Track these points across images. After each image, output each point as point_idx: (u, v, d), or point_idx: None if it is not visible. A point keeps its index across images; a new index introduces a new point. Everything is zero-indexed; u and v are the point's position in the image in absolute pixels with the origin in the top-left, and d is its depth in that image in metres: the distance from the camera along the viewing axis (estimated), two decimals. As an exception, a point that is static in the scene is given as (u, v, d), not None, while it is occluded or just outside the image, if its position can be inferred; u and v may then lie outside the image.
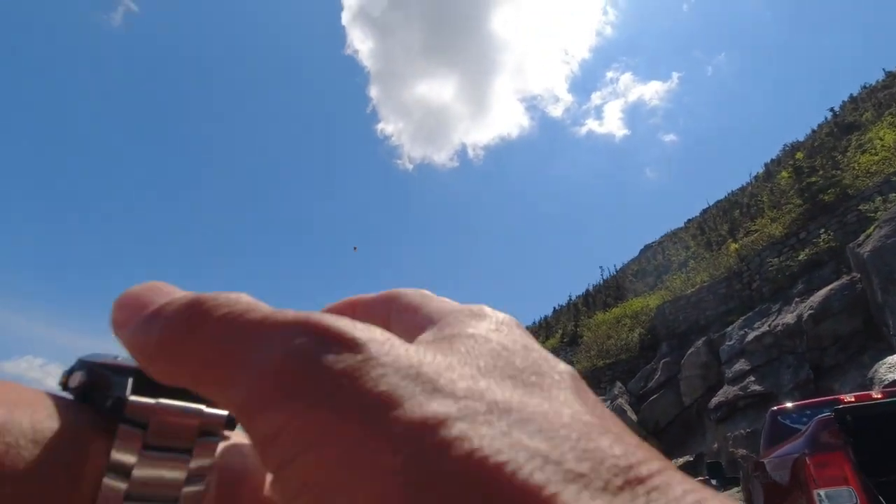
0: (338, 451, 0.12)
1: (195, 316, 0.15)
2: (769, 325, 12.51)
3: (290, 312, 0.15)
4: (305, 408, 0.12)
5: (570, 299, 34.09)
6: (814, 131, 25.31)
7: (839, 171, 14.34)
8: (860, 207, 12.10)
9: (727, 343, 13.41)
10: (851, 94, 26.55)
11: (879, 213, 10.98)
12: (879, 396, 3.86)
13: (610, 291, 28.48)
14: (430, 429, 0.11)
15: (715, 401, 12.64)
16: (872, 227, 10.54)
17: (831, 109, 25.16)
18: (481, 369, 0.13)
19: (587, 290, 33.52)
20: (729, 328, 13.73)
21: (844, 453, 2.80)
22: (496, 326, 0.16)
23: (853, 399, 3.80)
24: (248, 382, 0.13)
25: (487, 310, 0.17)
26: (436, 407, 0.12)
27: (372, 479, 0.11)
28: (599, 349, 18.53)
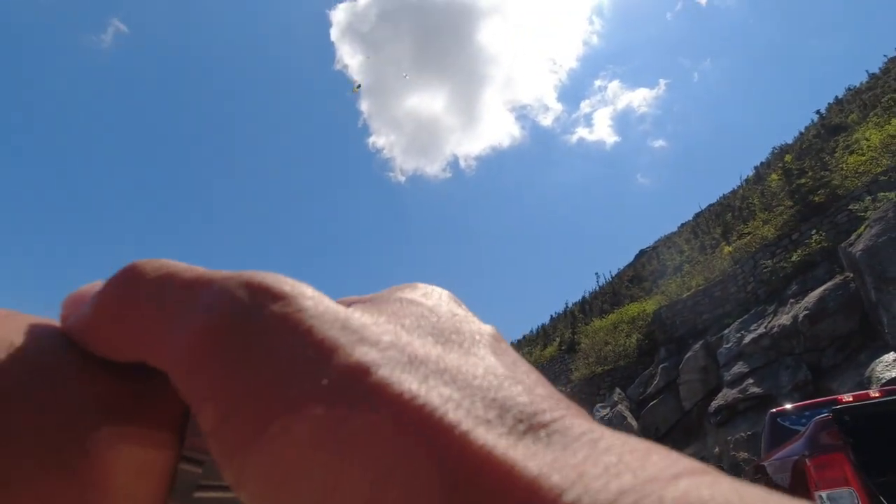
0: (267, 407, 0.12)
1: (127, 280, 0.15)
2: (766, 327, 12.55)
3: (222, 271, 0.15)
4: (233, 363, 0.12)
5: (567, 306, 34.08)
6: (801, 133, 25.62)
7: (828, 172, 14.50)
8: (850, 207, 12.23)
9: (725, 346, 13.43)
10: (837, 97, 26.94)
11: (869, 212, 11.09)
12: (877, 395, 3.87)
13: (606, 298, 28.51)
14: (359, 375, 0.12)
15: (714, 404, 12.62)
16: (863, 227, 10.64)
17: (818, 112, 25.50)
18: (405, 326, 0.14)
19: (584, 297, 33.55)
20: (726, 331, 13.76)
21: (844, 454, 2.80)
22: (424, 293, 0.17)
23: (851, 399, 3.81)
24: (181, 341, 0.13)
25: (420, 284, 0.18)
26: (363, 353, 0.12)
27: (306, 429, 0.11)
28: (598, 356, 18.50)
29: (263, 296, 0.14)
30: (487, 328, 0.16)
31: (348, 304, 0.15)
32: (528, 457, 0.11)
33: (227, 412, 0.12)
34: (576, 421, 0.12)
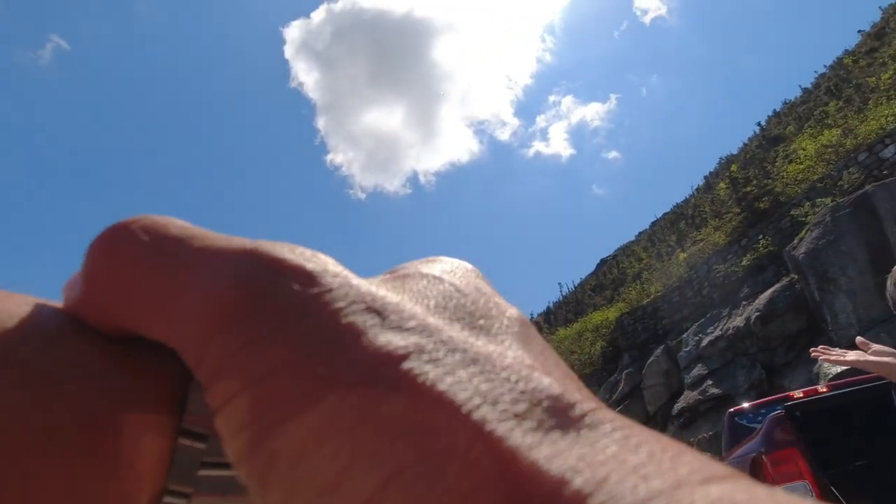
0: (286, 387, 0.11)
1: (116, 242, 0.14)
2: (721, 330, 13.04)
3: (235, 240, 0.14)
4: (252, 341, 0.12)
5: (532, 317, 34.46)
6: (745, 144, 27.05)
7: (770, 181, 15.34)
8: (792, 213, 12.95)
9: (684, 349, 13.86)
10: (775, 109, 28.64)
11: (809, 217, 11.78)
12: (825, 390, 4.07)
13: (570, 307, 29.02)
14: (383, 364, 0.11)
15: (677, 407, 12.98)
16: (804, 231, 11.28)
17: (758, 124, 27.06)
18: (431, 308, 0.13)
19: (548, 308, 34.04)
20: (685, 335, 14.23)
21: (797, 449, 2.93)
22: (451, 269, 0.16)
23: (802, 395, 3.99)
24: (192, 314, 0.13)
25: (444, 258, 0.17)
26: (388, 341, 0.12)
27: (322, 417, 0.11)
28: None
29: (283, 273, 0.13)
30: (514, 311, 0.15)
31: (370, 279, 0.15)
32: (553, 455, 0.10)
33: (242, 390, 0.12)
34: (606, 415, 0.12)
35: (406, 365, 0.11)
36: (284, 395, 0.11)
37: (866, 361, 1.51)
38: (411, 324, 0.12)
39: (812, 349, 1.64)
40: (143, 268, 0.14)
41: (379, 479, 0.10)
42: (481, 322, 0.14)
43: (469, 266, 0.17)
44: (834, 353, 1.60)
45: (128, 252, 0.14)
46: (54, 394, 0.13)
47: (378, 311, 0.12)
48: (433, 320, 0.13)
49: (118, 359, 0.14)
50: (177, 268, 0.13)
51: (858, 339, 1.56)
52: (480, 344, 0.13)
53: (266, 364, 0.12)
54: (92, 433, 0.13)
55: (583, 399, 0.12)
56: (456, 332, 0.13)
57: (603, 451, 0.10)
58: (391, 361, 0.11)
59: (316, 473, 0.11)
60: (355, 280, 0.13)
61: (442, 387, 0.11)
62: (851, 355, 1.55)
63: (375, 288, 0.13)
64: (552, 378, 0.12)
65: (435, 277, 0.15)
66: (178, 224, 0.14)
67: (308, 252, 0.14)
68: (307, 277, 0.13)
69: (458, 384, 0.11)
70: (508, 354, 0.13)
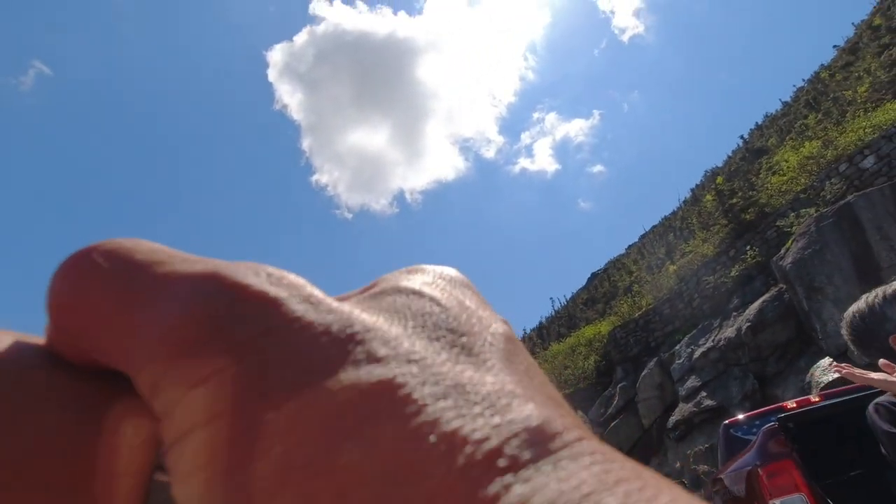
0: (235, 426, 0.11)
1: (78, 268, 0.13)
2: (713, 341, 13.09)
3: (200, 263, 0.13)
4: (206, 376, 0.11)
5: (525, 333, 34.38)
6: (729, 157, 27.52)
7: (755, 192, 15.59)
8: (777, 224, 13.14)
9: (677, 362, 13.88)
10: (757, 123, 29.27)
11: (794, 227, 11.96)
12: (817, 400, 4.08)
13: (563, 321, 29.01)
14: (352, 403, 0.11)
15: (672, 420, 12.94)
16: (790, 241, 11.45)
17: (741, 136, 27.58)
18: (408, 330, 0.13)
19: (540, 322, 33.99)
20: (677, 347, 14.26)
21: (792, 460, 2.93)
22: (432, 280, 0.15)
23: (795, 405, 4.00)
24: (146, 344, 0.12)
25: (428, 267, 0.16)
26: (356, 378, 0.11)
27: (273, 457, 0.10)
28: (558, 380, 18.66)
29: (243, 300, 0.12)
30: (499, 326, 0.14)
31: (346, 294, 0.14)
32: (524, 497, 0.09)
33: (194, 428, 0.11)
34: (588, 446, 0.11)
35: (372, 405, 0.11)
36: (227, 441, 0.11)
37: (891, 382, 1.51)
38: (382, 352, 0.11)
39: (835, 364, 1.65)
40: (102, 295, 0.13)
41: None
42: (463, 340, 0.13)
43: (452, 274, 0.16)
44: (857, 371, 1.60)
45: (87, 279, 0.13)
46: (28, 424, 0.12)
47: (346, 340, 0.12)
48: (408, 343, 0.12)
49: (94, 390, 0.13)
50: (135, 295, 0.13)
51: (882, 361, 1.56)
52: (458, 370, 0.12)
53: (220, 403, 0.11)
54: (66, 465, 0.12)
55: (564, 428, 0.11)
56: (432, 356, 0.12)
57: (578, 490, 0.10)
58: (359, 399, 0.11)
59: None
60: (326, 305, 0.12)
61: (409, 429, 0.10)
62: (876, 376, 1.55)
63: (348, 312, 0.12)
64: (534, 404, 0.11)
65: (414, 292, 0.14)
66: (144, 248, 0.14)
67: (275, 275, 0.13)
68: (269, 305, 0.12)
69: (427, 424, 0.10)
70: (487, 381, 0.12)
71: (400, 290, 0.14)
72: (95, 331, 0.13)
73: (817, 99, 20.10)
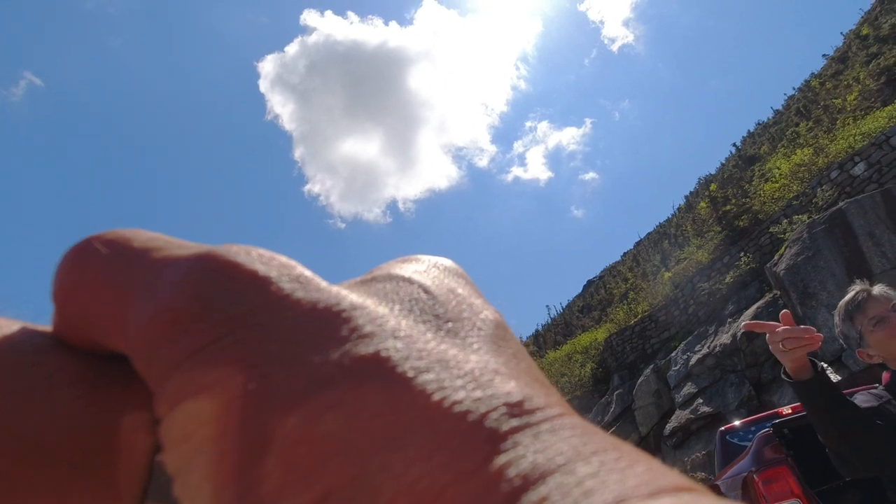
0: (226, 401, 0.11)
1: (80, 256, 0.14)
2: (709, 347, 13.12)
3: (195, 247, 0.13)
4: (197, 349, 0.11)
5: (522, 340, 34.22)
6: (723, 164, 27.71)
7: (748, 199, 15.71)
8: (771, 230, 13.23)
9: (673, 368, 13.89)
10: (749, 130, 29.54)
11: (787, 234, 12.05)
12: (811, 406, 4.09)
13: (559, 329, 28.99)
14: (330, 378, 0.11)
15: (669, 427, 12.92)
16: (783, 248, 11.52)
17: (734, 144, 27.81)
18: (394, 311, 0.13)
19: (537, 330, 33.94)
20: (673, 354, 14.27)
21: (787, 466, 2.94)
22: (424, 269, 0.15)
23: (790, 411, 4.01)
24: (142, 323, 0.12)
25: (421, 256, 0.16)
26: (343, 353, 0.11)
27: (263, 436, 0.10)
28: (555, 387, 18.60)
29: (234, 278, 0.12)
30: (490, 313, 0.14)
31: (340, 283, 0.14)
32: (502, 467, 0.10)
33: (181, 400, 0.11)
34: (568, 421, 0.11)
35: (353, 377, 0.11)
36: (218, 415, 0.11)
37: (785, 330, 1.50)
38: (367, 329, 0.12)
39: (745, 323, 1.65)
40: (102, 280, 0.13)
41: (311, 498, 0.10)
42: (449, 325, 0.13)
43: (446, 264, 0.16)
44: (760, 322, 1.61)
45: (88, 266, 0.14)
46: (38, 402, 0.13)
47: (333, 316, 0.12)
48: (393, 322, 0.12)
49: (100, 372, 0.14)
50: (132, 278, 0.13)
51: (783, 312, 1.58)
52: (443, 347, 0.12)
53: (204, 379, 0.11)
54: (75, 443, 0.13)
55: (546, 405, 0.11)
56: (417, 334, 0.12)
57: (553, 460, 0.10)
58: (339, 373, 0.11)
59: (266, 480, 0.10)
60: (315, 284, 0.13)
61: (391, 400, 0.11)
62: (778, 327, 1.55)
63: (336, 293, 0.13)
64: (516, 382, 0.12)
65: (404, 279, 0.14)
66: (143, 236, 0.14)
67: (266, 255, 0.13)
68: (260, 282, 0.12)
69: (409, 395, 0.11)
70: (471, 359, 0.12)
71: (391, 278, 0.14)
72: (95, 313, 0.13)
73: (808, 107, 20.33)
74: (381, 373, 0.11)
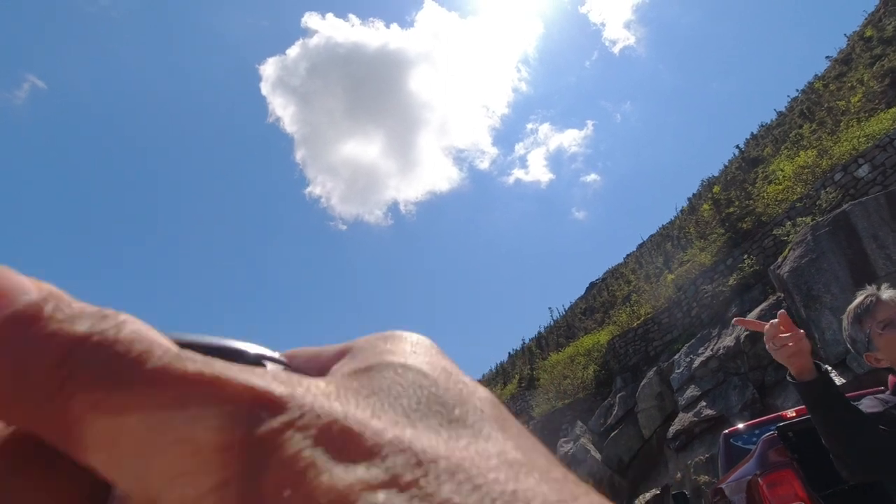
0: None
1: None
2: (712, 350, 13.07)
3: (190, 364, 0.12)
4: (223, 482, 0.11)
5: (524, 342, 34.28)
6: (726, 166, 27.67)
7: (752, 201, 15.67)
8: (774, 232, 13.19)
9: (676, 371, 13.84)
10: (752, 132, 29.50)
11: (791, 236, 12.01)
12: (816, 409, 4.07)
13: (561, 331, 28.94)
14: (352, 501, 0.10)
15: (672, 429, 12.87)
16: (787, 250, 11.48)
17: (737, 146, 27.76)
18: (405, 410, 0.13)
19: (539, 332, 33.90)
20: (676, 356, 14.22)
21: (792, 470, 2.92)
22: (412, 349, 0.15)
23: (794, 414, 3.99)
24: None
25: (401, 333, 0.16)
26: (357, 475, 0.11)
27: None
28: (557, 390, 18.59)
29: (258, 405, 0.12)
30: (483, 392, 0.15)
31: (332, 355, 0.14)
32: None
33: None
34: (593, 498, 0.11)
35: (380, 498, 0.10)
36: None
37: (773, 326, 1.54)
38: (387, 437, 0.12)
39: (736, 319, 1.71)
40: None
41: None
42: (456, 412, 0.13)
43: (428, 342, 0.16)
44: (749, 319, 1.67)
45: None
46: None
47: (346, 434, 0.11)
48: (410, 430, 0.12)
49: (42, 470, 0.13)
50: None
51: (780, 311, 1.61)
52: (462, 444, 0.12)
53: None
54: None
55: (575, 494, 0.11)
56: (434, 436, 0.12)
57: None
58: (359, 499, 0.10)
59: None
60: (323, 398, 0.12)
61: None
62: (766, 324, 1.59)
63: (343, 398, 0.12)
64: (539, 473, 0.12)
65: (402, 366, 0.14)
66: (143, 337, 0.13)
67: (279, 374, 0.13)
68: (278, 405, 0.12)
69: None
70: (491, 451, 0.12)
71: (387, 366, 0.14)
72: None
73: (811, 109, 20.29)
74: None
